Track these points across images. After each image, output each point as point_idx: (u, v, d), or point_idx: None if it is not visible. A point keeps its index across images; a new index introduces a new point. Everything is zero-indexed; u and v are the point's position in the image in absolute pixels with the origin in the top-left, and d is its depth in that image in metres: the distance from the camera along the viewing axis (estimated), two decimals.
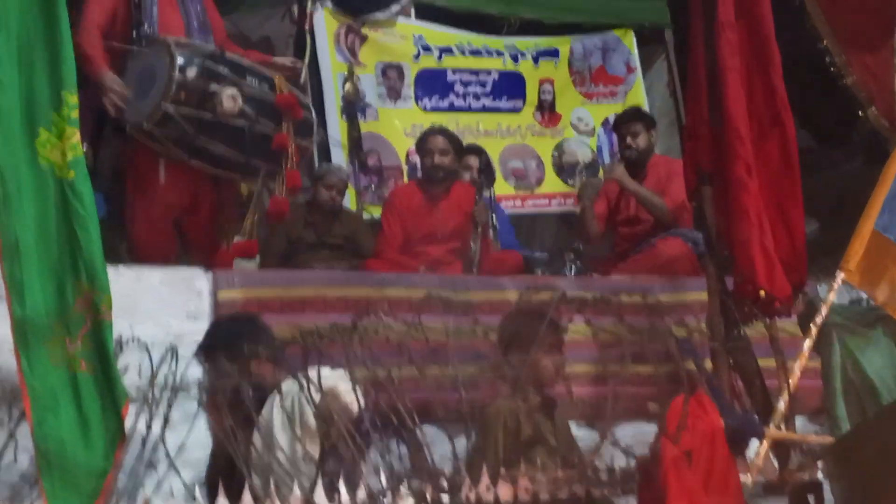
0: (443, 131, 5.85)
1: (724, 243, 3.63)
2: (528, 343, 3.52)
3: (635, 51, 7.88)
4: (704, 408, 3.16)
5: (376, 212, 6.18)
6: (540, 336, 3.50)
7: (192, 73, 4.42)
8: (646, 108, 7.70)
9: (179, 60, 4.40)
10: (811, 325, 3.54)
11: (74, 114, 2.57)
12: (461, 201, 5.65)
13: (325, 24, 6.65)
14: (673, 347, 3.18)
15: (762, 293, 3.46)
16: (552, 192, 7.42)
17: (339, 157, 6.54)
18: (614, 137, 7.62)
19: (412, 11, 7.11)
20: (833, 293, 3.55)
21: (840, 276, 3.55)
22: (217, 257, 4.66)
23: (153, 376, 2.82)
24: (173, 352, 2.90)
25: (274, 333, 3.65)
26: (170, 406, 2.95)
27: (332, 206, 5.66)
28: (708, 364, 3.74)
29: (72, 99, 2.57)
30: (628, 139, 5.88)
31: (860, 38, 4.32)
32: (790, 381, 3.42)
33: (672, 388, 3.77)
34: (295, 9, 6.51)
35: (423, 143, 5.76)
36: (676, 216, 5.65)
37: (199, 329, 3.94)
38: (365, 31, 6.85)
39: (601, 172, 7.23)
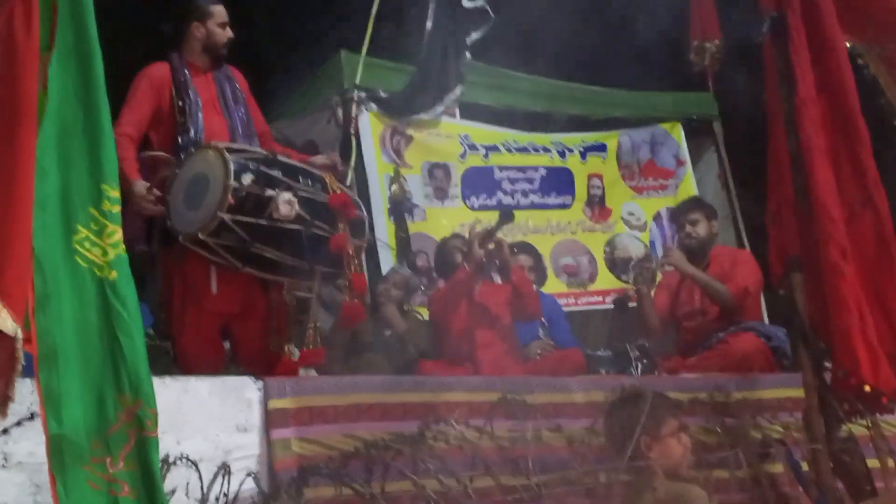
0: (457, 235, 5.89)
1: (820, 334, 3.35)
2: (655, 427, 3.21)
3: (684, 143, 7.78)
4: None
5: (426, 313, 5.96)
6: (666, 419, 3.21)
7: (247, 179, 4.20)
8: None
9: (233, 167, 4.19)
10: None
11: (116, 209, 2.35)
12: (494, 290, 5.42)
13: (370, 127, 6.57)
14: (779, 452, 2.86)
15: (867, 388, 3.19)
16: (606, 289, 7.20)
17: (388, 258, 6.38)
18: (667, 231, 7.47)
19: (457, 111, 7.03)
20: None
21: None
22: (281, 367, 4.40)
23: (204, 498, 2.53)
24: (225, 469, 2.61)
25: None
26: None
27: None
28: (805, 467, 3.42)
29: (113, 193, 2.35)
30: (688, 227, 5.64)
31: None
32: None
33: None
34: (340, 113, 6.42)
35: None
36: (740, 304, 5.37)
37: (250, 442, 3.66)
38: (410, 131, 6.76)
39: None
